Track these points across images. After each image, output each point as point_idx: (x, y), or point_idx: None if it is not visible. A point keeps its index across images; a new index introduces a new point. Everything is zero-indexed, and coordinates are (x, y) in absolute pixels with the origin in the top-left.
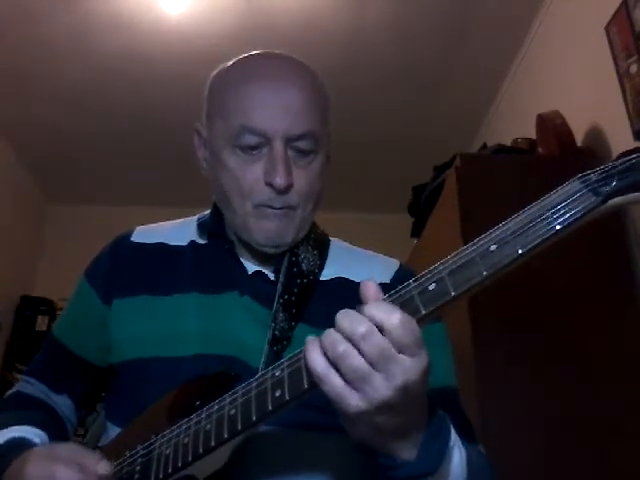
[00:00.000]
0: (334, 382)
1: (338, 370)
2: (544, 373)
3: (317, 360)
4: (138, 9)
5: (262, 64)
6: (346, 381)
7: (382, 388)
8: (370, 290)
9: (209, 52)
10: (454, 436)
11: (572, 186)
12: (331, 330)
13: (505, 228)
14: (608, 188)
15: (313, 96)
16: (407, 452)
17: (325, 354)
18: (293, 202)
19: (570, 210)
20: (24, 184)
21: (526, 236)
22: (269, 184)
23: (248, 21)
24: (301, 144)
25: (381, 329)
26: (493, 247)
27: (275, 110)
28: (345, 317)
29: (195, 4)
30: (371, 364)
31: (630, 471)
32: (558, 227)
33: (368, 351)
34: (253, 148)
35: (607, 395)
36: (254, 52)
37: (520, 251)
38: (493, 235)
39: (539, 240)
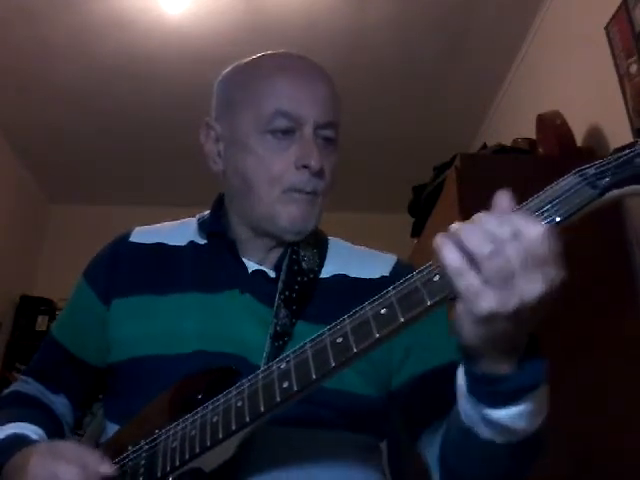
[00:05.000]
0: (474, 278)
1: (478, 269)
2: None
3: (454, 255)
4: (138, 9)
5: (289, 59)
6: (484, 280)
7: (522, 292)
8: (503, 201)
9: (209, 52)
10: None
11: (570, 180)
12: (472, 228)
13: None
14: (605, 181)
15: (334, 90)
16: (510, 365)
17: (462, 251)
18: (320, 187)
19: (569, 203)
20: (24, 184)
21: None
22: (304, 166)
23: (248, 21)
24: (327, 132)
25: (526, 238)
26: None
27: (308, 97)
28: (492, 218)
29: (195, 4)
30: (515, 267)
31: (631, 466)
32: (558, 219)
33: (514, 253)
34: (284, 133)
35: (608, 393)
36: (272, 51)
37: None
38: None
39: None
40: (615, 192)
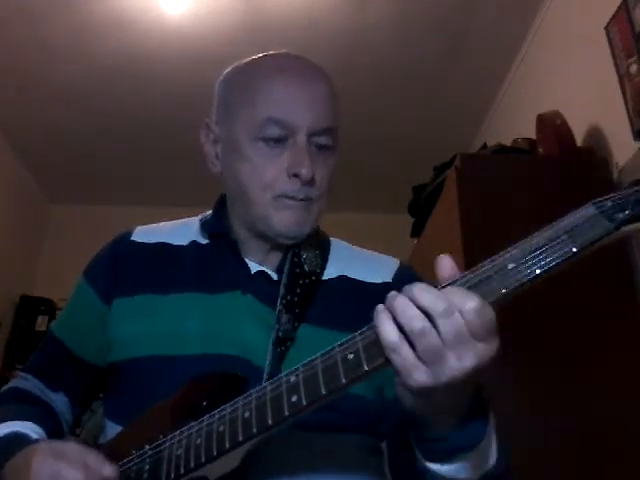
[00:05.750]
0: (407, 354)
1: (411, 344)
2: (544, 374)
3: (390, 331)
4: (138, 9)
5: (287, 61)
6: (417, 356)
7: (453, 368)
8: (445, 268)
9: (209, 52)
10: (492, 418)
11: (587, 211)
12: (407, 303)
13: (522, 247)
14: (622, 215)
15: (333, 95)
16: (450, 425)
17: (398, 325)
18: (313, 195)
19: (585, 234)
20: (24, 184)
21: (543, 257)
22: (295, 175)
23: (248, 21)
24: (322, 139)
25: (457, 314)
26: (511, 265)
27: (302, 104)
28: (425, 292)
29: (195, 4)
30: (445, 343)
31: (630, 471)
32: (575, 250)
33: (445, 330)
34: (276, 140)
35: (608, 396)
36: (272, 52)
37: (538, 271)
38: (510, 254)
39: (555, 262)
40: (631, 227)
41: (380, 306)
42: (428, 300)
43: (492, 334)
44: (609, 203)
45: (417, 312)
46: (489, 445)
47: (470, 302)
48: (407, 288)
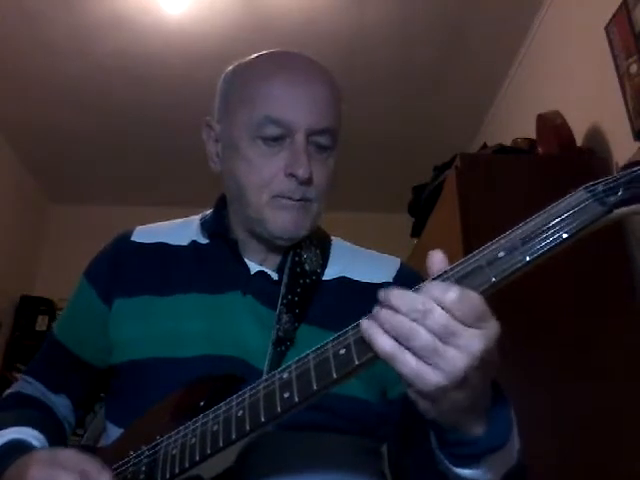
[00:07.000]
0: (408, 359)
1: (408, 349)
2: (543, 373)
3: (384, 340)
4: (138, 9)
5: (287, 59)
6: (418, 358)
7: (458, 359)
8: (436, 263)
9: (209, 52)
10: (513, 414)
11: (578, 196)
12: (389, 312)
13: (512, 236)
14: (613, 198)
15: (335, 94)
16: (476, 427)
17: (390, 334)
18: (311, 195)
19: (576, 219)
20: (24, 184)
21: (533, 244)
22: (291, 175)
23: (248, 21)
24: (321, 139)
25: (441, 307)
26: (501, 254)
27: (301, 103)
28: (402, 297)
29: (195, 4)
30: (439, 338)
31: (631, 469)
32: (565, 235)
33: (432, 326)
34: (275, 140)
35: (607, 393)
36: (273, 50)
37: (528, 258)
38: (501, 242)
39: (547, 248)
40: (623, 210)
41: (365, 322)
42: (407, 303)
43: (483, 318)
44: (600, 187)
45: (401, 317)
46: (514, 442)
47: (449, 293)
48: (385, 299)
